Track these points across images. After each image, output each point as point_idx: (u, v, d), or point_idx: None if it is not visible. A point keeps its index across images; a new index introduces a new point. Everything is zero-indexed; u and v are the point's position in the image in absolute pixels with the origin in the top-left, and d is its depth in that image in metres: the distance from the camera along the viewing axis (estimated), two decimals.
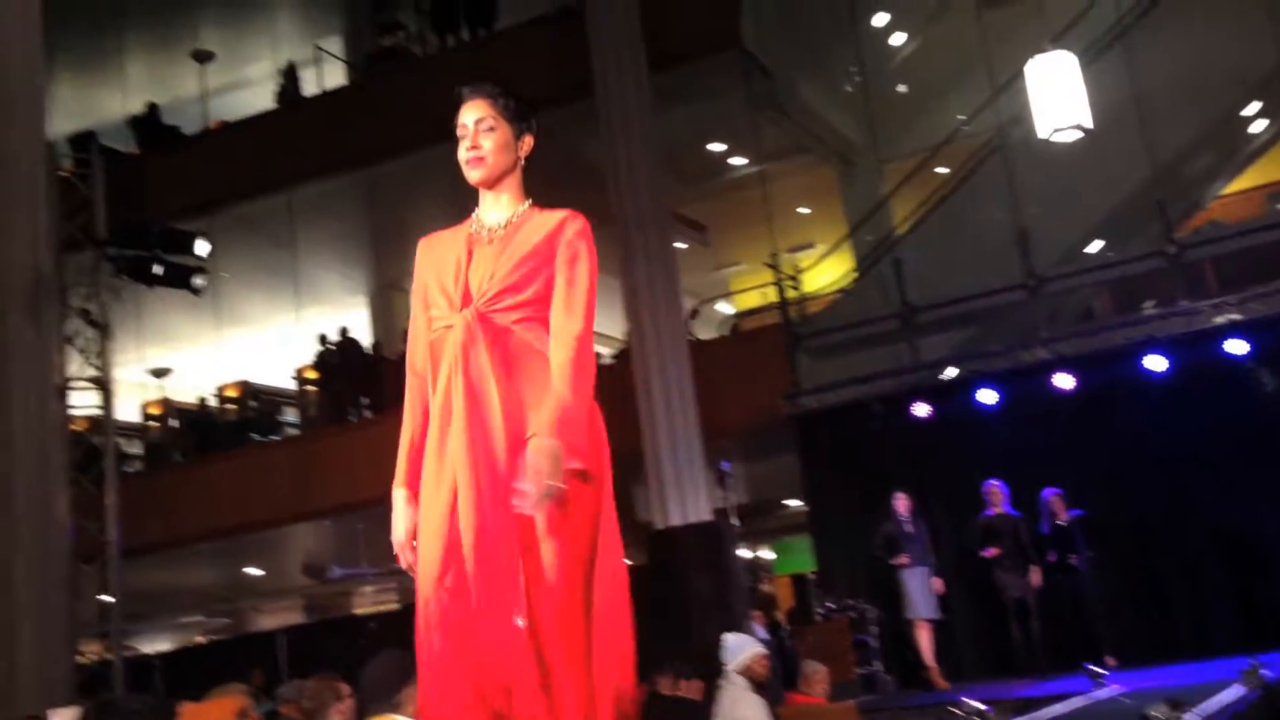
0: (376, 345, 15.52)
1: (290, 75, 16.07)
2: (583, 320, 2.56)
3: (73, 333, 8.47)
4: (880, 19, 14.72)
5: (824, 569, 11.45)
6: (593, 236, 2.70)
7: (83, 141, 12.71)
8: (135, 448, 16.50)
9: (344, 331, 15.25)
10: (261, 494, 14.00)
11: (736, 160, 15.56)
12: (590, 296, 2.60)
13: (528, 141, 2.80)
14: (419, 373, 2.65)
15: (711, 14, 12.96)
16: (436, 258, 2.69)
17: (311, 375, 15.50)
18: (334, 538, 16.10)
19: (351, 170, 14.75)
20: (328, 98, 15.49)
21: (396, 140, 14.23)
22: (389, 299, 17.09)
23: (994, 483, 9.77)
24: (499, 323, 2.54)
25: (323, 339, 15.21)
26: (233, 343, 16.76)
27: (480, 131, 2.70)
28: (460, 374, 2.50)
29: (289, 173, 14.67)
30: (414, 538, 2.54)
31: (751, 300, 15.95)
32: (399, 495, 2.60)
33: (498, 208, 2.72)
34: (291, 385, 16.33)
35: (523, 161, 2.78)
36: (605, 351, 16.59)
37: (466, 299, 2.58)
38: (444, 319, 2.60)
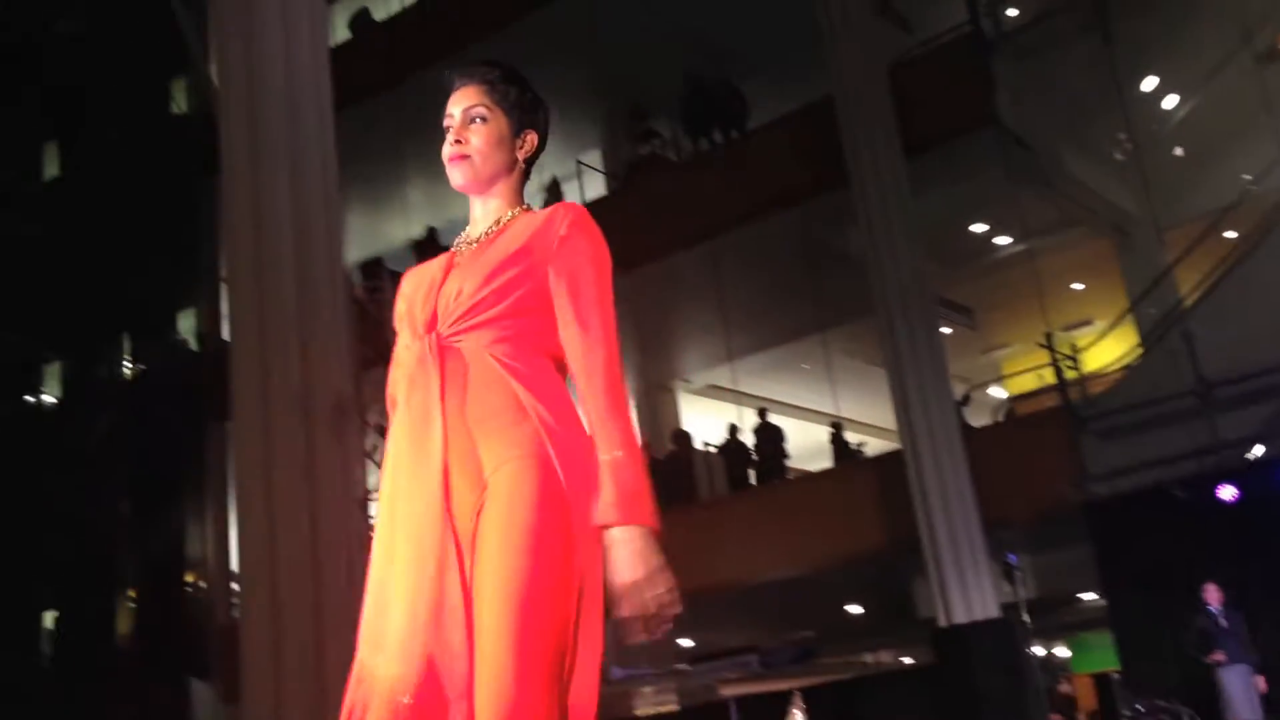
0: (644, 445, 15.80)
1: (554, 189, 16.86)
2: (603, 336, 2.01)
3: (371, 447, 9.03)
4: (1149, 83, 14.08)
5: (1130, 667, 10.66)
6: (594, 225, 2.13)
7: (373, 267, 13.68)
8: None
9: None
10: None
11: (1000, 239, 15.11)
12: (606, 302, 2.06)
13: (530, 139, 2.23)
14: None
15: (965, 94, 12.75)
16: (414, 285, 2.16)
17: None
18: (612, 638, 16.25)
19: (613, 275, 15.18)
20: (589, 208, 16.06)
21: (656, 244, 14.63)
22: (655, 400, 17.40)
23: None
24: (465, 348, 2.00)
25: None
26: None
27: (467, 123, 2.21)
28: (404, 415, 2.03)
29: None
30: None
31: (1027, 383, 15.30)
32: None
33: (485, 218, 2.18)
34: None
35: (523, 165, 2.23)
36: (873, 442, 16.26)
37: (431, 323, 2.05)
38: (402, 349, 2.11)
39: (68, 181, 19.77)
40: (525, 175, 2.23)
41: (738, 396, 15.72)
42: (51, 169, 20.37)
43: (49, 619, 18.40)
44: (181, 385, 17.00)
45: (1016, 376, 16.12)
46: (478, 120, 2.20)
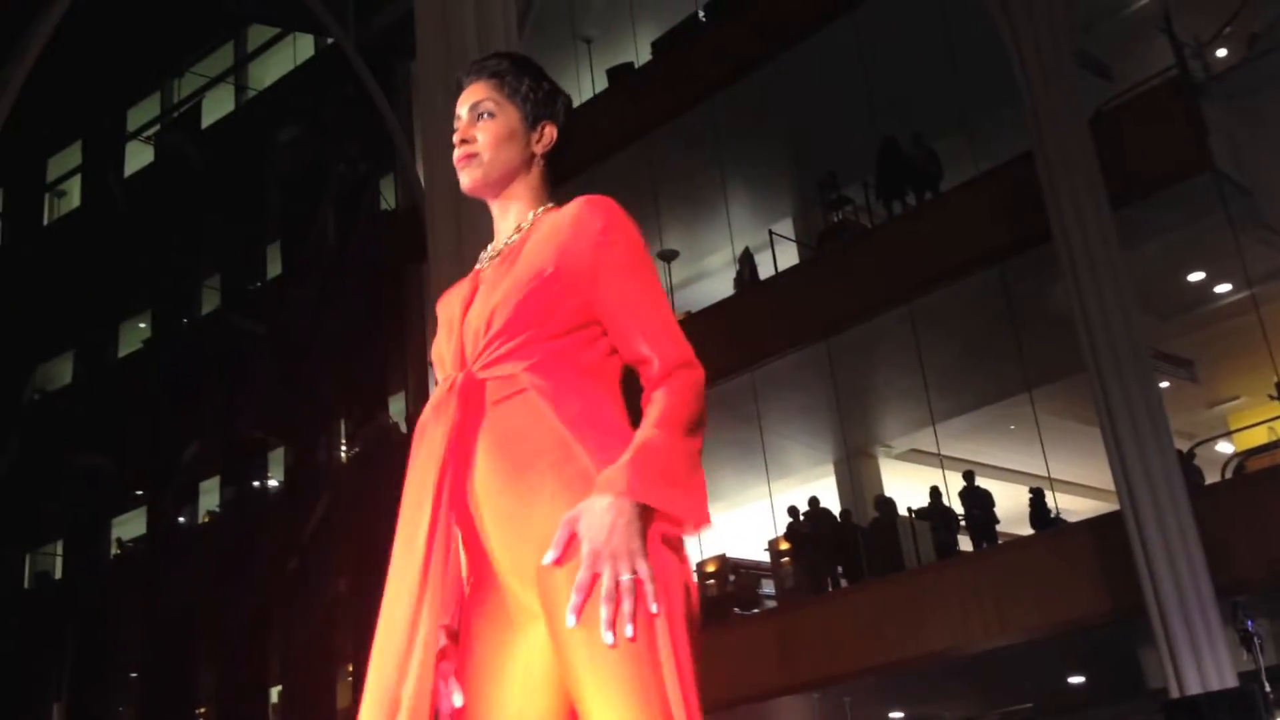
0: (845, 513, 15.53)
1: (747, 260, 16.96)
2: (671, 337, 1.82)
3: None
4: None
5: None
6: (628, 218, 1.88)
7: None
8: None
9: (814, 502, 15.41)
10: (747, 667, 14.19)
11: (1221, 287, 14.33)
12: (663, 304, 1.84)
13: (548, 132, 2.00)
14: None
15: (1175, 141, 12.24)
16: (444, 314, 1.95)
17: (785, 547, 15.72)
18: (820, 711, 15.94)
19: (810, 343, 15.15)
20: (783, 277, 16.14)
21: (851, 309, 14.50)
22: (856, 465, 17.12)
23: None
24: (496, 383, 1.78)
25: (793, 510, 15.45)
26: (711, 519, 17.40)
27: (474, 120, 1.96)
28: (409, 476, 1.85)
29: (751, 352, 15.31)
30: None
31: (1258, 436, 14.37)
32: None
33: (506, 225, 1.97)
34: (766, 558, 16.64)
35: (541, 160, 2.01)
36: (1089, 503, 15.53)
37: (459, 358, 1.84)
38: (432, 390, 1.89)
39: (288, 279, 21.05)
40: (548, 173, 2.01)
41: (941, 460, 15.31)
42: (274, 268, 21.74)
43: (275, 694, 19.27)
44: (393, 466, 17.70)
45: (1246, 430, 15.15)
46: (485, 116, 1.94)
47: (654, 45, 17.83)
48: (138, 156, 25.01)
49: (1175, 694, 10.24)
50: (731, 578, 16.94)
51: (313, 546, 18.12)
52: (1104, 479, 12.04)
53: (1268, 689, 9.58)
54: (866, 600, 13.83)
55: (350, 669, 18.58)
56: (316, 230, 20.75)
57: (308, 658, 18.49)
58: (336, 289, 19.34)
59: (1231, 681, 9.95)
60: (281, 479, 20.59)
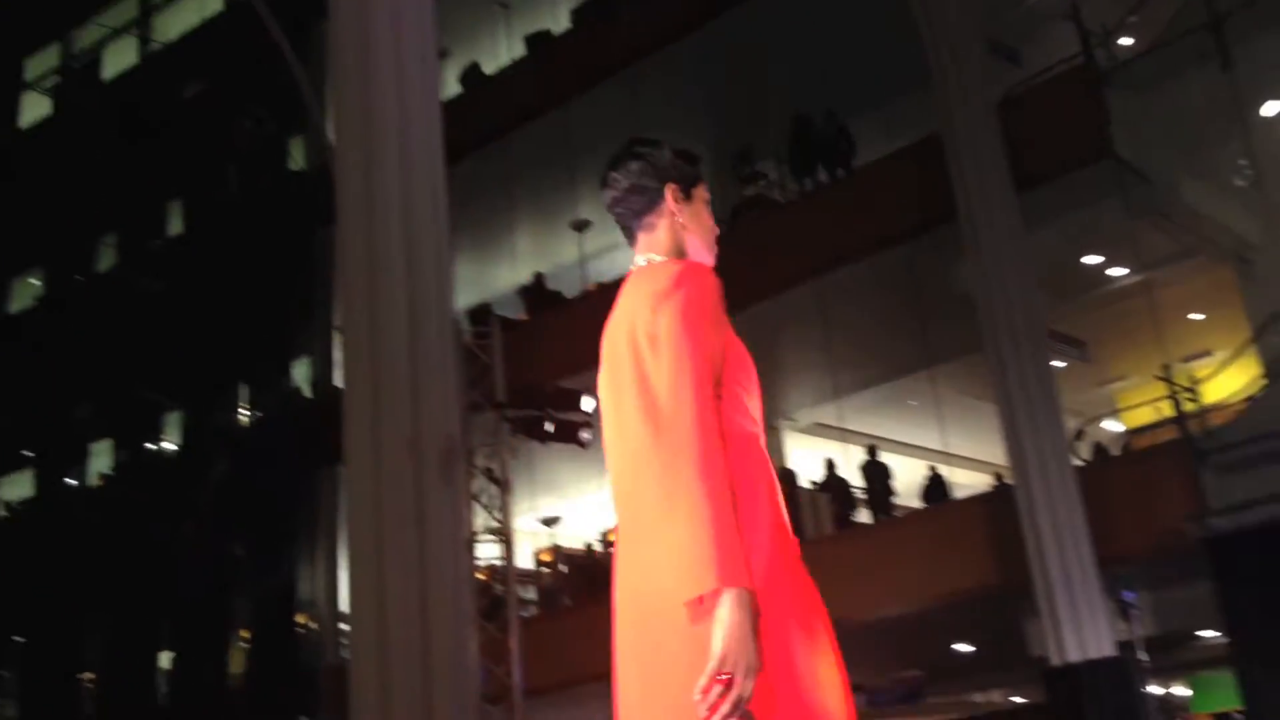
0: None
1: None
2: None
3: (477, 490, 9.19)
4: (1270, 108, 13.68)
5: (1254, 707, 10.24)
6: (691, 284, 2.05)
7: (480, 313, 13.96)
8: (529, 593, 17.45)
9: None
10: None
11: (1116, 271, 14.77)
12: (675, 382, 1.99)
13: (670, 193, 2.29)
14: None
15: (1078, 127, 12.54)
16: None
17: None
18: None
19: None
20: None
21: (764, 283, 14.62)
22: (766, 438, 17.33)
23: None
24: None
25: None
26: None
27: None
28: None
29: None
30: None
31: (1143, 416, 14.88)
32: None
33: None
34: None
35: (675, 217, 2.26)
36: (984, 479, 15.95)
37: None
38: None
39: (190, 237, 20.56)
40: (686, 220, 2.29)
41: (844, 434, 15.58)
42: (176, 226, 21.21)
43: (166, 659, 18.96)
44: (295, 431, 17.47)
45: (1133, 410, 15.68)
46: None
47: (573, 13, 17.71)
48: (35, 108, 24.15)
49: (1056, 662, 10.59)
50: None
51: (209, 511, 17.80)
52: (1000, 455, 12.39)
53: (1143, 657, 10.00)
54: None
55: (246, 635, 18.33)
56: (221, 189, 20.27)
57: (201, 623, 18.20)
58: (240, 249, 18.94)
59: (1109, 650, 10.34)
60: (178, 442, 20.19)
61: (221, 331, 18.63)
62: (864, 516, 14.70)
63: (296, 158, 19.90)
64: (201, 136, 20.06)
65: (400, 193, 6.88)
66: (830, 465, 14.73)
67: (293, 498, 17.57)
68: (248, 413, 19.46)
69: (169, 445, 20.39)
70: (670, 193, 2.23)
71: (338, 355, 10.49)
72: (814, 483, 15.14)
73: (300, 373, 19.16)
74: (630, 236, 2.25)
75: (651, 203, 2.23)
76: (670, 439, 1.93)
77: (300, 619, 18.11)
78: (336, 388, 10.92)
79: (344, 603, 15.95)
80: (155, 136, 20.53)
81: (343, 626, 16.22)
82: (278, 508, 17.42)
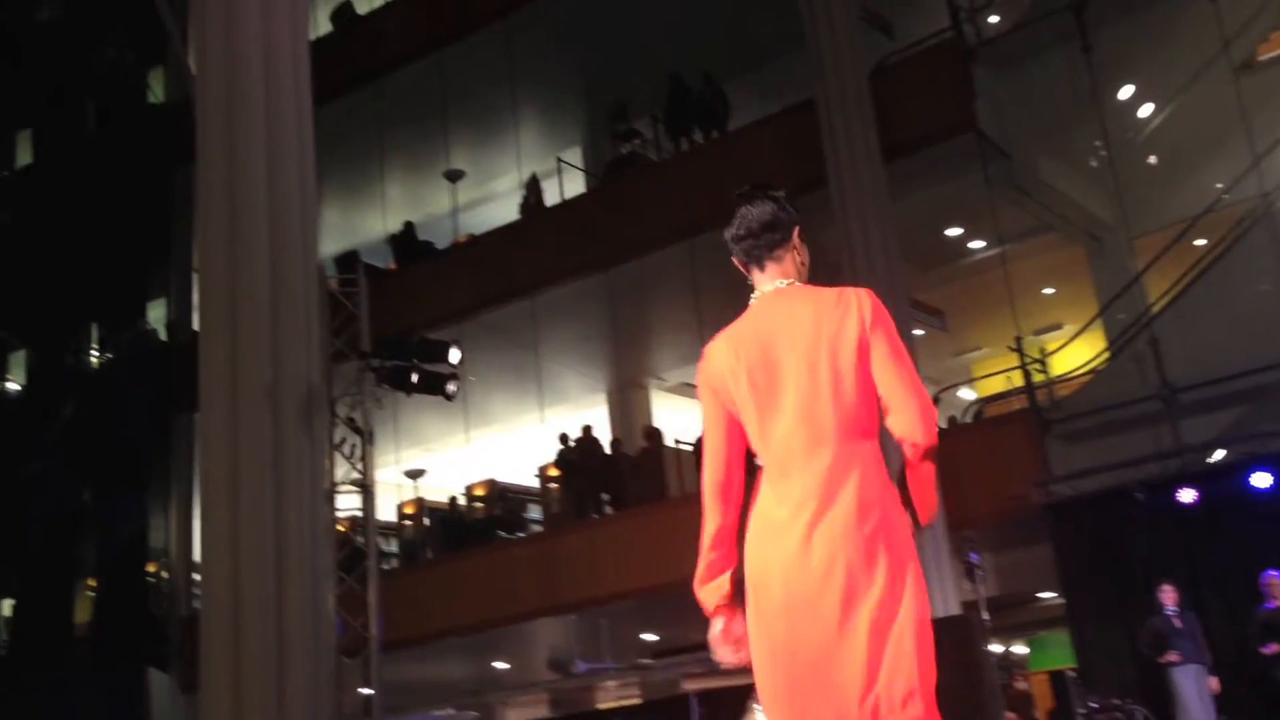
0: (616, 442, 15.84)
1: (533, 187, 16.86)
2: None
3: (339, 440, 9.03)
4: (1125, 91, 14.22)
5: (1085, 666, 10.78)
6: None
7: (348, 261, 13.65)
8: (391, 546, 17.31)
9: (585, 429, 15.64)
10: (508, 590, 14.38)
11: (975, 243, 15.22)
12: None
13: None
14: None
15: (944, 100, 12.84)
16: None
17: (554, 473, 15.93)
18: (578, 633, 16.33)
19: (591, 273, 15.27)
20: (568, 206, 16.15)
21: (634, 242, 14.66)
22: (628, 395, 17.44)
23: (1273, 573, 9.05)
24: None
25: (563, 437, 15.64)
26: (481, 444, 17.44)
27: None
28: None
29: (532, 279, 15.31)
30: None
31: (995, 385, 15.43)
32: None
33: None
34: (535, 483, 16.83)
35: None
36: None
37: None
38: None
39: (40, 170, 19.63)
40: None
41: None
42: (25, 157, 20.22)
43: (7, 607, 18.29)
44: (149, 375, 16.92)
45: (986, 379, 16.24)
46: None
47: None
48: None
49: None
50: (500, 502, 17.05)
51: (56, 454, 17.13)
52: None
53: (986, 617, 10.43)
54: (629, 527, 14.19)
55: (92, 584, 17.78)
56: (74, 120, 19.34)
57: (45, 570, 17.57)
58: (94, 184, 18.13)
59: (955, 610, 10.74)
60: (23, 382, 19.36)
61: (72, 269, 17.85)
62: None
63: (156, 91, 19.11)
64: (55, 63, 19.08)
65: (264, 131, 6.68)
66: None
67: (145, 443, 17.05)
68: (98, 354, 18.75)
69: (13, 385, 19.54)
70: (796, 233, 2.74)
71: (197, 297, 10.15)
72: (680, 442, 15.32)
73: (156, 314, 18.53)
74: (758, 265, 2.75)
75: (784, 239, 2.72)
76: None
77: (151, 568, 17.64)
78: (194, 331, 10.59)
79: (198, 552, 15.58)
80: (4, 61, 19.46)
81: (196, 577, 15.85)
82: (129, 453, 16.88)
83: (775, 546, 2.46)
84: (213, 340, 6.52)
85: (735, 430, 2.60)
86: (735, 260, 2.78)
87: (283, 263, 6.56)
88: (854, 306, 2.58)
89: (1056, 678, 14.43)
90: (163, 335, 18.12)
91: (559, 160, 17.10)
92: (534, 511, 17.36)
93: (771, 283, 2.71)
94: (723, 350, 2.69)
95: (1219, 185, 13.01)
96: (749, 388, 2.57)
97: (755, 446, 2.58)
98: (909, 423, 2.50)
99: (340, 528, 10.19)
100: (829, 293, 2.64)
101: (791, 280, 2.71)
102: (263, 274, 6.50)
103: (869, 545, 2.39)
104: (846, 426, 2.49)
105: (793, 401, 2.52)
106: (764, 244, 2.72)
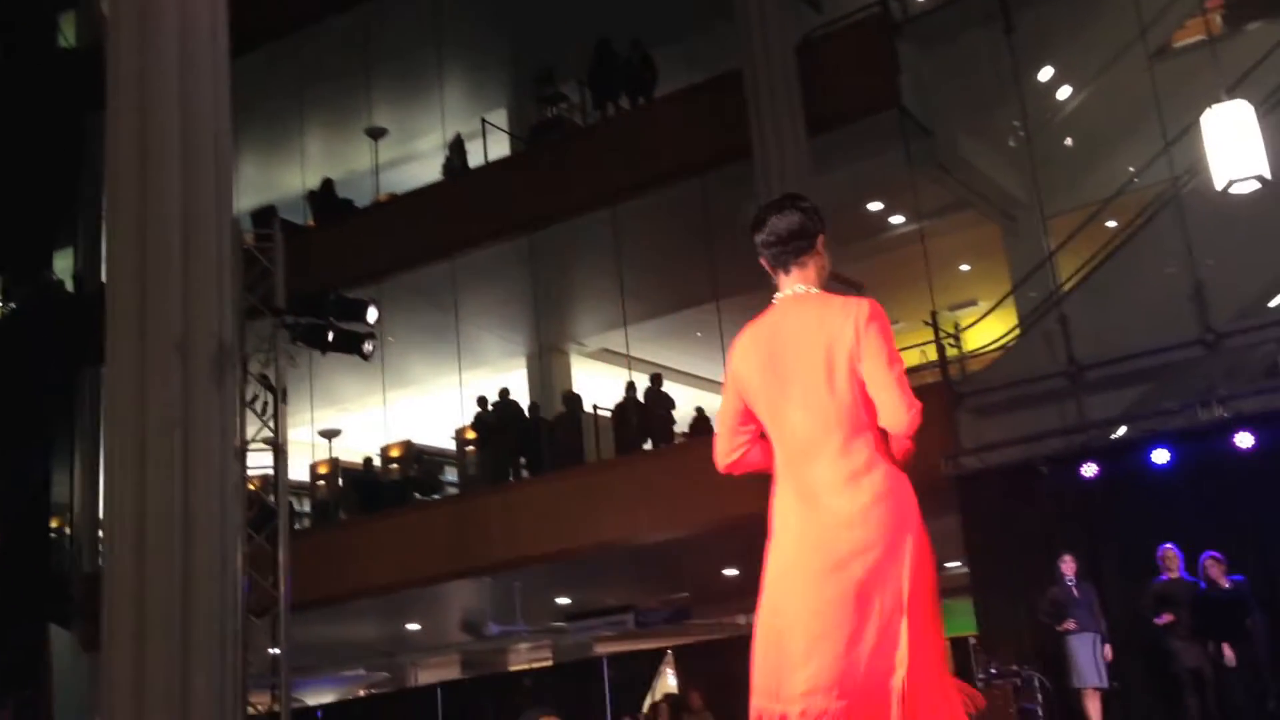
0: (534, 406, 15.82)
1: (457, 148, 16.66)
2: None
3: (251, 397, 8.88)
4: (1045, 73, 14.45)
5: (986, 633, 11.08)
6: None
7: (264, 216, 13.40)
8: (304, 506, 17.12)
9: (504, 393, 15.59)
10: (422, 552, 14.32)
11: (895, 218, 15.41)
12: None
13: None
14: None
15: (869, 75, 12.94)
16: None
17: (471, 436, 15.87)
18: (491, 595, 16.34)
19: (513, 237, 15.17)
20: (492, 168, 16.00)
21: (557, 207, 14.59)
22: (548, 360, 17.41)
23: (1169, 547, 9.36)
24: None
25: (482, 400, 15.58)
26: (397, 405, 17.30)
27: None
28: None
29: (453, 241, 15.17)
30: None
31: (910, 359, 15.66)
32: None
33: None
34: (452, 446, 16.75)
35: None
36: None
37: None
38: None
39: None
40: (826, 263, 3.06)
41: (630, 361, 15.82)
42: None
43: None
44: (54, 327, 16.47)
45: (902, 352, 16.45)
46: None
47: None
48: None
49: None
50: (415, 463, 16.95)
51: None
52: None
53: None
54: (545, 491, 14.20)
55: None
56: None
57: None
58: None
59: None
60: None
61: None
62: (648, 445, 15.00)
63: (67, 34, 18.49)
64: None
65: (178, 78, 6.52)
66: (631, 388, 14.87)
67: (49, 396, 16.62)
68: (1, 304, 18.19)
69: None
70: (820, 241, 2.99)
71: (105, 248, 9.88)
72: (598, 407, 15.34)
73: (63, 265, 18.01)
74: (783, 269, 2.98)
75: (809, 247, 2.97)
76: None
77: (54, 524, 17.24)
78: (103, 283, 10.31)
79: (102, 508, 15.25)
80: None
81: (100, 533, 15.53)
82: (31, 406, 16.44)
83: (788, 538, 2.85)
84: (121, 292, 6.37)
85: (747, 418, 2.96)
86: (762, 261, 3.01)
87: (195, 215, 6.42)
88: (853, 313, 2.87)
89: (958, 644, 14.78)
90: (70, 286, 17.62)
91: (484, 121, 16.92)
92: (450, 474, 17.29)
93: (792, 287, 2.98)
94: (744, 345, 2.96)
95: (1131, 169, 13.30)
96: (762, 381, 2.88)
97: (770, 436, 2.93)
98: (888, 418, 2.79)
99: (251, 486, 10.04)
100: (836, 300, 2.95)
101: (810, 286, 2.99)
102: (174, 226, 6.36)
103: (863, 516, 2.69)
104: (847, 418, 2.78)
105: (800, 395, 2.82)
106: (790, 250, 2.97)
